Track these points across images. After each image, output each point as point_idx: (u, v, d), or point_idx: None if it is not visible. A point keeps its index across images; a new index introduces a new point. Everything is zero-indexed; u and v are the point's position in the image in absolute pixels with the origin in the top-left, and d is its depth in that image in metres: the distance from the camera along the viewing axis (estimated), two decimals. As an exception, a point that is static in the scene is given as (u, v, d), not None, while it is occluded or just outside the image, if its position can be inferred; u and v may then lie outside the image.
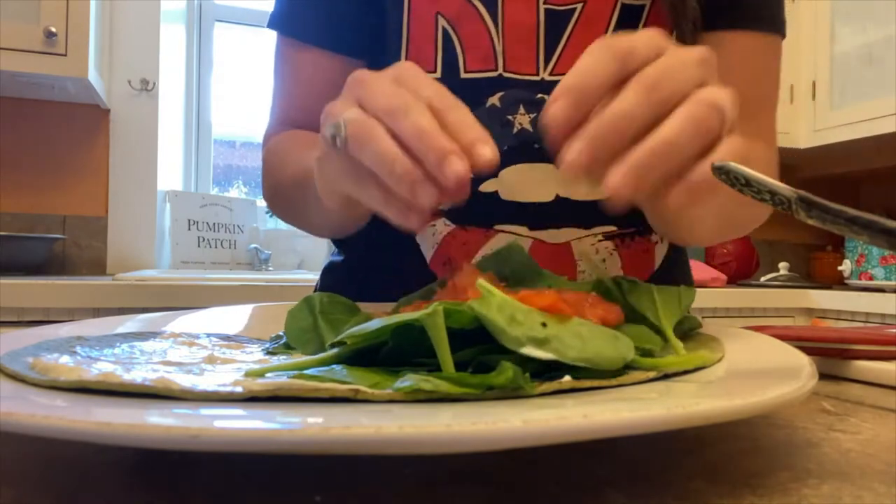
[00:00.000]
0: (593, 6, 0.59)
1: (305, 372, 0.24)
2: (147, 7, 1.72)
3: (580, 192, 0.59)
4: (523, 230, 0.60)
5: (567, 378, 0.23)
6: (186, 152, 2.03)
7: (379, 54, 0.62)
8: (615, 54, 0.31)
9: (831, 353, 0.37)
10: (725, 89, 0.32)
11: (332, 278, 0.73)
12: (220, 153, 2.15)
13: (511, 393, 0.22)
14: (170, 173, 1.87)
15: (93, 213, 1.71)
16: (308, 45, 0.63)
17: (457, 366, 0.23)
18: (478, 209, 0.59)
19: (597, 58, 0.31)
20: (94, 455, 0.22)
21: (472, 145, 0.31)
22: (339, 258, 0.74)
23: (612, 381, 0.24)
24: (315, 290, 0.76)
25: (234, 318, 0.43)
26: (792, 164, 2.25)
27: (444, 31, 0.59)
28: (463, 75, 0.59)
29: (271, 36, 0.67)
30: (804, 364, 0.24)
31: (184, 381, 0.22)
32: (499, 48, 0.59)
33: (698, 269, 1.73)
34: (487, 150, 0.31)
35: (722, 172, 0.29)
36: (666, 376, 0.25)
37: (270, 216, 1.99)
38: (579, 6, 0.60)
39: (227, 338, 0.35)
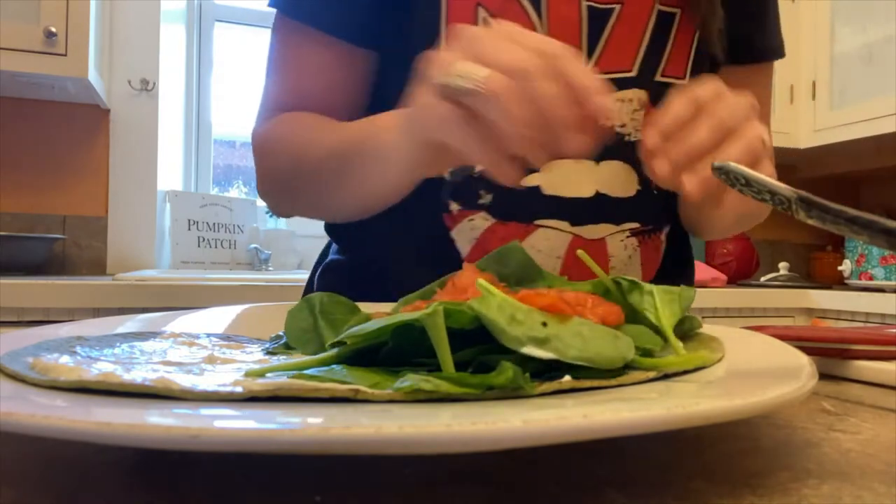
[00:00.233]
0: (630, 8, 0.61)
1: (305, 372, 0.24)
2: (147, 7, 1.72)
3: (617, 190, 0.63)
4: (565, 225, 0.60)
5: (567, 378, 0.23)
6: (186, 152, 2.03)
7: (399, 46, 0.60)
8: (692, 101, 0.43)
9: (831, 353, 0.37)
10: (764, 125, 0.45)
11: (333, 277, 0.73)
12: (220, 153, 2.15)
13: (511, 393, 0.22)
14: (170, 173, 1.87)
15: (93, 213, 1.71)
16: (319, 31, 0.60)
17: (457, 366, 0.23)
18: (520, 204, 0.59)
19: (680, 104, 0.43)
20: (94, 455, 0.22)
21: (596, 112, 0.36)
22: (338, 257, 0.74)
23: (612, 381, 0.24)
24: (313, 289, 0.76)
25: (234, 318, 0.43)
26: (792, 164, 2.25)
27: (486, 23, 0.58)
28: None
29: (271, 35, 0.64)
30: (804, 364, 0.24)
31: (184, 381, 0.22)
32: None
33: (698, 269, 1.73)
34: (609, 119, 0.37)
35: (722, 172, 0.29)
36: (666, 376, 0.25)
37: (270, 216, 1.99)
38: (618, 7, 0.61)
39: (227, 338, 0.35)
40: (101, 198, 1.71)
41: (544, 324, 0.24)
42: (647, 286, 0.32)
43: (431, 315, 0.23)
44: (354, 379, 0.23)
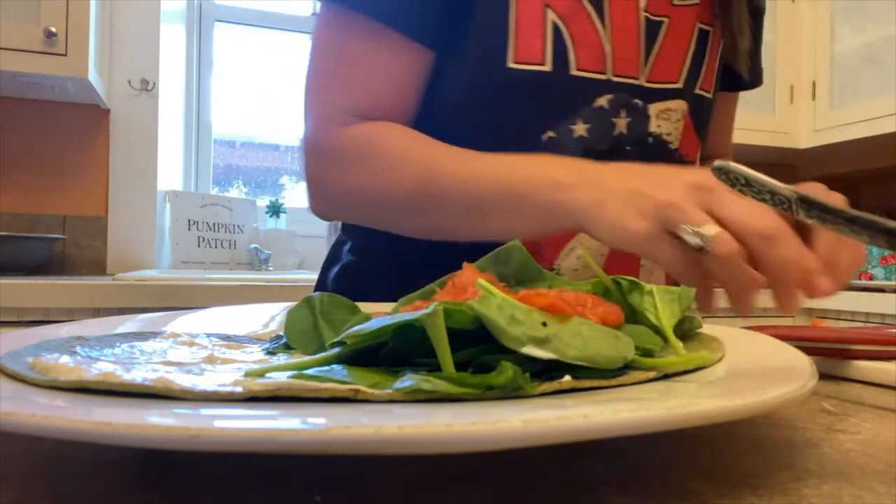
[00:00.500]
0: (677, 23, 0.65)
1: (305, 372, 0.24)
2: (147, 7, 1.72)
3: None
4: None
5: (567, 378, 0.23)
6: (186, 152, 2.04)
7: (462, 47, 0.61)
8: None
9: (831, 353, 0.37)
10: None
11: (350, 279, 0.72)
12: (220, 153, 2.15)
13: (511, 393, 0.22)
14: (170, 173, 1.87)
15: (93, 213, 1.71)
16: (388, 28, 0.59)
17: (457, 366, 0.23)
18: None
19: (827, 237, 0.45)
20: (94, 455, 0.22)
21: (816, 277, 0.40)
22: (354, 258, 0.73)
23: (612, 381, 0.24)
24: (326, 290, 0.75)
25: (234, 318, 0.43)
26: (792, 164, 2.25)
27: (554, 24, 0.60)
28: (573, 72, 0.61)
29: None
30: (804, 364, 0.24)
31: (184, 381, 0.22)
32: (608, 50, 0.62)
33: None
34: (825, 284, 0.40)
35: (722, 172, 0.29)
36: (666, 376, 0.25)
37: (270, 216, 1.99)
38: (666, 20, 0.64)
39: (227, 338, 0.35)
40: (101, 198, 1.71)
41: (544, 324, 0.24)
42: (647, 286, 0.33)
43: (431, 315, 0.23)
44: (354, 379, 0.23)
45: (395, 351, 0.25)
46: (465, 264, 0.33)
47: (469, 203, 0.55)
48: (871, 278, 1.81)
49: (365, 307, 0.36)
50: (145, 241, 1.73)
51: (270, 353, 0.32)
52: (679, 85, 0.66)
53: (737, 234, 0.40)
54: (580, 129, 0.62)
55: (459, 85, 0.62)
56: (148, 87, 1.71)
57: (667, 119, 0.65)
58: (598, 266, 0.34)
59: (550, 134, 0.62)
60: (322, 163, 0.61)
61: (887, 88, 1.81)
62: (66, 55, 1.40)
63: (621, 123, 0.63)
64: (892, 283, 1.73)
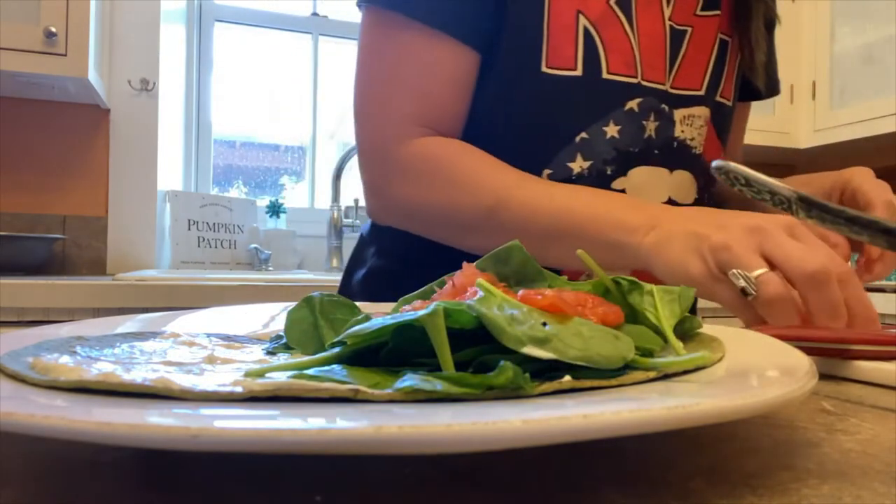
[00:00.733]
0: (700, 32, 0.67)
1: (305, 372, 0.24)
2: (147, 7, 1.72)
3: (683, 197, 0.70)
4: None
5: (567, 378, 0.23)
6: (186, 152, 2.04)
7: (496, 51, 0.62)
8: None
9: (831, 353, 0.37)
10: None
11: (377, 282, 0.73)
12: (220, 153, 2.15)
13: (511, 393, 0.22)
14: (170, 173, 1.87)
15: (93, 213, 1.71)
16: (442, 33, 0.60)
17: (457, 366, 0.23)
18: None
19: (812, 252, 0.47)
20: (94, 455, 0.22)
21: (862, 320, 0.43)
22: (380, 262, 0.74)
23: (612, 381, 0.24)
24: (351, 294, 0.76)
25: (234, 318, 0.43)
26: (792, 164, 2.25)
27: (586, 30, 0.62)
28: (605, 75, 0.63)
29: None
30: (804, 364, 0.24)
31: (184, 381, 0.22)
32: (637, 56, 0.64)
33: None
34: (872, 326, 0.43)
35: (722, 172, 0.29)
36: (666, 376, 0.25)
37: (271, 216, 1.99)
38: (690, 29, 0.67)
39: (227, 338, 0.35)
40: (101, 198, 1.71)
41: (544, 324, 0.24)
42: (648, 286, 0.33)
43: (431, 315, 0.23)
44: (354, 379, 0.23)
45: (395, 351, 0.25)
46: (464, 264, 0.33)
47: (532, 231, 0.57)
48: (871, 278, 1.80)
49: (365, 307, 0.36)
50: (145, 241, 1.73)
51: (270, 353, 0.32)
52: (701, 92, 0.69)
53: (787, 276, 0.43)
54: (612, 130, 0.64)
55: (495, 87, 0.64)
56: (148, 87, 1.71)
57: (690, 125, 0.68)
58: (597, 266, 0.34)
59: (583, 135, 0.64)
60: (386, 173, 0.63)
61: (887, 88, 1.81)
62: (66, 55, 1.40)
63: (650, 127, 0.66)
64: (892, 283, 1.73)
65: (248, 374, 0.24)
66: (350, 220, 1.95)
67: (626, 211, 0.53)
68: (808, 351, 0.30)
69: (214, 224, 1.82)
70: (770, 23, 0.75)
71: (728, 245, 0.45)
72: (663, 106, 0.66)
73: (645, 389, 0.23)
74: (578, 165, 0.64)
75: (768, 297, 0.42)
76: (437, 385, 0.21)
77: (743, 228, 0.45)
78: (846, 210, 0.25)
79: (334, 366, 0.25)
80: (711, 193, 0.74)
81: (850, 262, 0.48)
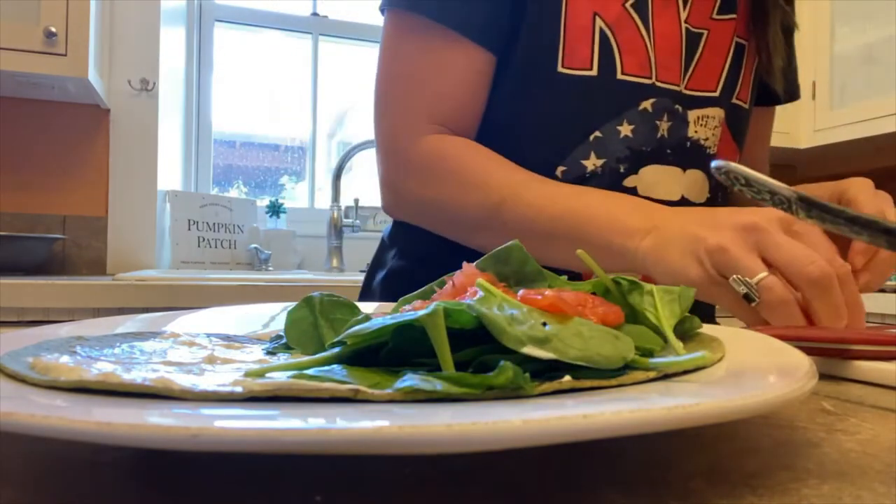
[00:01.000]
0: (716, 35, 0.68)
1: (305, 372, 0.24)
2: (147, 7, 1.72)
3: (696, 196, 0.71)
4: None
5: (567, 378, 0.23)
6: (186, 152, 2.04)
7: (512, 52, 0.64)
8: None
9: (831, 353, 0.37)
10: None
11: (397, 283, 0.74)
12: (220, 153, 2.15)
13: (511, 393, 0.22)
14: (170, 173, 1.87)
15: (93, 213, 1.71)
16: (461, 36, 0.62)
17: (457, 366, 0.23)
18: None
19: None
20: (94, 455, 0.22)
21: (856, 319, 0.43)
22: (401, 263, 0.75)
23: (612, 381, 0.24)
24: (372, 296, 0.78)
25: (234, 318, 0.43)
26: (792, 164, 2.25)
27: (602, 32, 0.63)
28: (619, 76, 0.64)
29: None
30: (804, 364, 0.24)
31: (184, 381, 0.22)
32: (653, 57, 0.65)
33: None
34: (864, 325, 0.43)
35: (722, 172, 0.29)
36: (666, 376, 0.25)
37: (271, 216, 1.99)
38: (706, 32, 0.68)
39: (227, 338, 0.35)
40: (101, 198, 1.71)
41: (544, 324, 0.24)
42: (648, 286, 0.33)
43: (431, 315, 0.23)
44: (354, 379, 0.23)
45: (395, 351, 0.25)
46: (464, 264, 0.33)
47: (534, 232, 0.58)
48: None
49: (365, 307, 0.36)
50: (145, 241, 1.73)
51: (270, 353, 0.32)
52: (716, 94, 0.70)
53: (790, 280, 0.42)
54: (626, 129, 0.65)
55: (512, 85, 0.65)
56: (148, 87, 1.71)
57: (704, 125, 0.69)
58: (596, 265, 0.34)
59: (597, 134, 0.65)
60: (400, 170, 0.65)
61: (887, 88, 1.81)
62: (66, 55, 1.40)
63: (664, 127, 0.67)
64: (893, 283, 1.73)
65: (248, 374, 0.24)
66: (350, 220, 1.95)
67: (625, 213, 0.54)
68: (808, 351, 0.30)
69: (214, 224, 1.82)
70: (787, 28, 0.75)
71: (724, 247, 0.45)
72: (677, 106, 0.67)
73: (645, 389, 0.23)
74: (592, 163, 0.65)
75: (772, 303, 0.43)
76: (437, 385, 0.21)
77: (738, 228, 0.45)
78: (846, 210, 0.25)
79: (334, 366, 0.25)
80: (725, 193, 0.74)
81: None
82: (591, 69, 0.63)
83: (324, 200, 2.16)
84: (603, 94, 0.64)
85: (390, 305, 0.39)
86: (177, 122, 1.95)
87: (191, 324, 0.39)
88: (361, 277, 1.64)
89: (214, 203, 1.84)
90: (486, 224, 0.61)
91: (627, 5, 0.63)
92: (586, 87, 0.63)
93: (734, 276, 0.44)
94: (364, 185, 2.24)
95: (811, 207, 0.26)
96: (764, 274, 0.43)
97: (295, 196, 2.23)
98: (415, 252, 0.74)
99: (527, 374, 0.22)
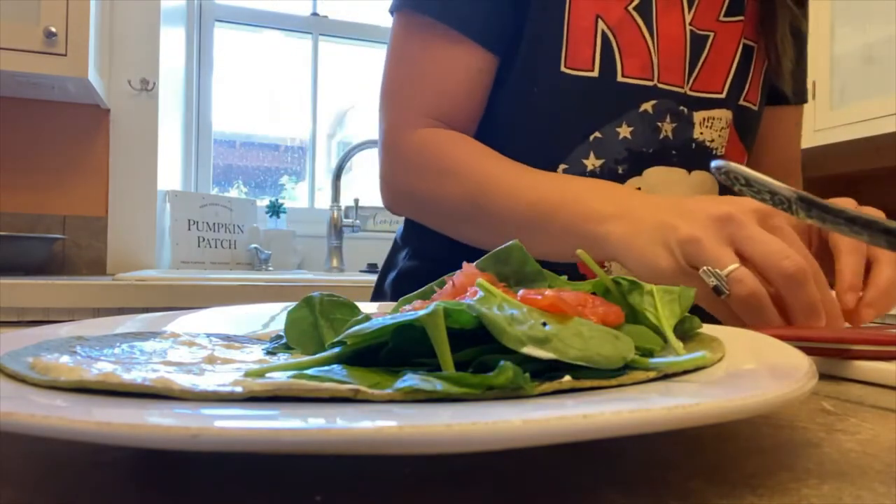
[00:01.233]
0: (722, 38, 0.69)
1: (305, 372, 0.24)
2: (147, 7, 1.72)
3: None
4: None
5: (567, 378, 0.23)
6: (186, 152, 2.04)
7: (514, 53, 0.65)
8: (860, 251, 0.50)
9: (831, 353, 0.37)
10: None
11: (407, 284, 0.74)
12: (220, 153, 2.15)
13: (511, 393, 0.22)
14: (170, 173, 1.87)
15: (93, 213, 1.71)
16: (462, 36, 0.63)
17: (457, 366, 0.23)
18: None
19: (854, 260, 0.49)
20: (94, 455, 0.22)
21: (832, 319, 0.42)
22: (412, 264, 0.76)
23: (612, 381, 0.24)
24: (384, 296, 0.78)
25: (234, 318, 0.43)
26: (792, 164, 2.25)
27: (604, 34, 0.64)
28: (620, 78, 0.65)
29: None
30: (804, 364, 0.24)
31: (184, 381, 0.22)
32: (655, 60, 0.66)
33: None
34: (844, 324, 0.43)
35: (721, 172, 0.29)
36: (666, 376, 0.25)
37: (271, 216, 1.99)
38: (712, 34, 0.68)
39: (227, 338, 0.35)
40: (101, 198, 1.71)
41: (544, 324, 0.24)
42: (648, 286, 0.33)
43: (431, 315, 0.23)
44: (354, 379, 0.23)
45: (395, 351, 0.25)
46: (464, 264, 0.33)
47: (510, 220, 0.58)
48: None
49: (365, 307, 0.36)
50: (145, 241, 1.73)
51: (270, 353, 0.32)
52: (722, 95, 0.70)
53: (765, 275, 0.41)
54: (625, 131, 0.66)
55: (515, 84, 0.66)
56: (148, 87, 1.71)
57: (710, 127, 0.69)
58: (596, 265, 0.34)
59: (597, 135, 0.66)
60: (394, 164, 0.66)
61: (887, 88, 1.81)
62: (66, 55, 1.40)
63: (667, 128, 0.67)
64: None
65: (248, 374, 0.24)
66: (350, 220, 1.95)
67: (597, 199, 0.53)
68: (808, 351, 0.30)
69: (214, 224, 1.82)
70: (797, 30, 0.75)
71: (696, 238, 0.43)
72: (682, 108, 0.67)
73: (645, 389, 0.23)
74: (591, 163, 0.65)
75: (741, 296, 0.41)
76: (437, 385, 0.21)
77: (711, 218, 0.44)
78: (846, 210, 0.25)
79: (334, 366, 0.25)
80: (735, 195, 0.74)
81: None
82: (592, 70, 0.64)
83: (324, 200, 2.16)
84: (603, 95, 0.65)
85: (391, 305, 0.39)
86: (177, 122, 1.95)
87: (191, 324, 0.39)
88: (361, 277, 1.64)
89: (214, 203, 1.84)
90: (467, 213, 0.61)
91: (630, 8, 0.64)
92: (587, 87, 0.64)
93: (704, 267, 0.43)
94: (364, 185, 2.24)
95: (811, 207, 0.26)
96: (734, 266, 0.41)
97: (295, 196, 2.23)
98: (426, 253, 0.74)
99: (527, 374, 0.22)
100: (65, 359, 0.25)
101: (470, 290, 0.28)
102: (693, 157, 0.68)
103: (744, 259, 0.43)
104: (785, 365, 0.24)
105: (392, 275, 0.77)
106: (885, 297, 0.47)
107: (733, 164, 0.29)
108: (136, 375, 0.22)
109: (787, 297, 0.41)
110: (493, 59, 0.65)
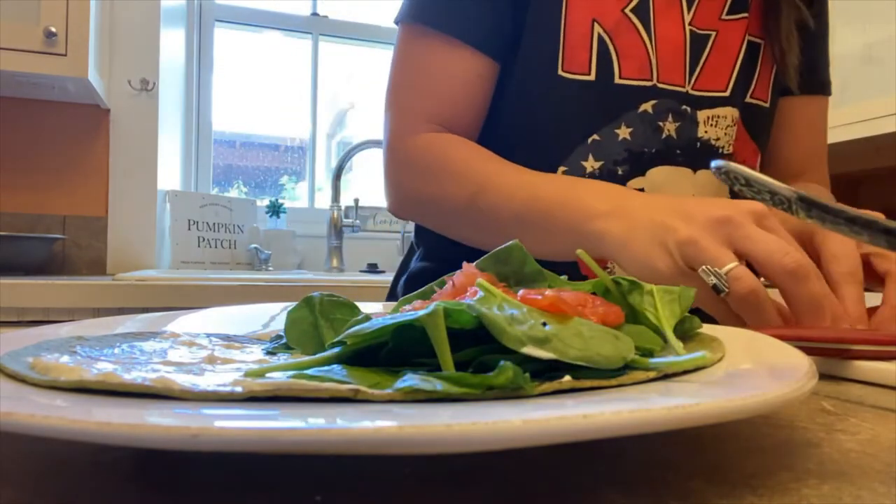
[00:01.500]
0: (724, 37, 0.69)
1: (305, 372, 0.24)
2: (147, 7, 1.72)
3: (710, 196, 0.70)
4: None
5: (567, 378, 0.23)
6: (186, 152, 2.04)
7: (512, 59, 0.66)
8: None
9: (831, 353, 0.37)
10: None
11: (419, 285, 0.75)
12: (220, 153, 2.15)
13: (511, 393, 0.22)
14: (170, 173, 1.87)
15: (93, 213, 1.71)
16: (463, 44, 0.64)
17: (457, 366, 0.23)
18: None
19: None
20: (94, 455, 0.22)
21: (840, 318, 0.41)
22: (423, 264, 0.76)
23: (612, 381, 0.24)
24: (397, 297, 0.78)
25: (234, 318, 0.43)
26: (792, 164, 2.25)
27: (600, 38, 0.64)
28: (617, 81, 0.65)
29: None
30: (804, 364, 0.24)
31: (184, 381, 0.22)
32: (654, 60, 0.66)
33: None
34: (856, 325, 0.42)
35: (721, 172, 0.29)
36: (666, 376, 0.25)
37: (271, 216, 1.99)
38: (714, 33, 0.68)
39: (227, 338, 0.35)
40: (101, 198, 1.71)
41: (544, 324, 0.24)
42: (648, 286, 0.33)
43: (431, 315, 0.23)
44: (354, 379, 0.23)
45: (395, 351, 0.25)
46: (464, 264, 0.33)
47: (506, 219, 0.59)
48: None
49: (365, 307, 0.36)
50: (145, 241, 1.73)
51: (270, 353, 0.32)
52: (726, 93, 0.69)
53: (766, 272, 0.41)
54: (624, 132, 0.66)
55: (515, 88, 0.67)
56: (148, 87, 1.71)
57: (715, 125, 0.69)
58: (595, 265, 0.34)
59: (595, 137, 0.66)
60: (397, 168, 0.67)
61: (887, 88, 1.81)
62: (66, 55, 1.40)
63: (670, 127, 0.67)
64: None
65: (248, 374, 0.24)
66: (350, 220, 1.95)
67: (593, 197, 0.53)
68: (808, 351, 0.30)
69: (214, 224, 1.82)
70: (803, 25, 0.75)
71: (695, 239, 0.44)
72: (684, 107, 0.67)
73: (645, 389, 0.23)
74: (590, 165, 0.66)
75: (741, 294, 0.41)
76: (437, 385, 0.21)
77: (710, 220, 0.44)
78: (846, 210, 0.25)
79: (334, 366, 0.25)
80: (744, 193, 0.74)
81: None
82: (588, 73, 0.64)
83: (324, 200, 2.16)
84: (600, 97, 0.65)
85: (390, 305, 0.39)
86: (177, 122, 1.95)
87: (191, 324, 0.39)
88: (361, 277, 1.64)
89: (214, 203, 1.84)
90: (464, 214, 0.62)
91: (627, 10, 0.64)
92: (584, 90, 0.65)
93: (703, 266, 0.43)
94: (364, 185, 2.24)
95: (811, 207, 0.26)
96: (733, 264, 0.41)
97: (295, 196, 2.23)
98: (437, 254, 0.75)
99: (527, 374, 0.22)
100: (65, 359, 0.25)
101: (470, 290, 0.28)
102: (698, 156, 0.68)
103: (743, 258, 0.43)
104: (785, 365, 0.24)
105: (404, 276, 0.79)
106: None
107: (733, 164, 0.29)
108: (136, 375, 0.22)
109: (791, 294, 0.41)
110: (493, 65, 0.66)
